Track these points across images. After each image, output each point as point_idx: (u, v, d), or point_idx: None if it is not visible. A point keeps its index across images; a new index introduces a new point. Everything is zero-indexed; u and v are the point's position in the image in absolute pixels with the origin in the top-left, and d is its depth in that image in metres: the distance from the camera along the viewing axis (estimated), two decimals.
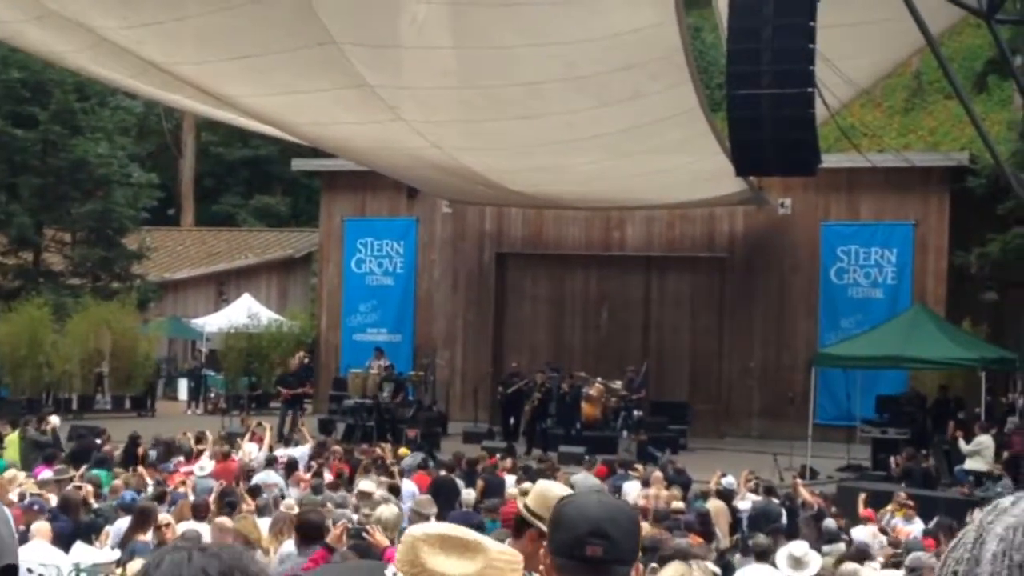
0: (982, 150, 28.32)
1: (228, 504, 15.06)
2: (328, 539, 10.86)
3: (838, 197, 32.82)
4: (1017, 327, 23.70)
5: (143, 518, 13.21)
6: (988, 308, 31.20)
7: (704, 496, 19.30)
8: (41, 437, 23.90)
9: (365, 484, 17.63)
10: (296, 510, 13.65)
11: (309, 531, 10.88)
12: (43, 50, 23.80)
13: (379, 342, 35.18)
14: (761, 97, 17.81)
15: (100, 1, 19.29)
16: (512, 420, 31.43)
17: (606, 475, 21.48)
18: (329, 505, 15.31)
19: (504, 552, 2.82)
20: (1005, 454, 24.67)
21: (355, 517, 13.78)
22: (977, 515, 1.57)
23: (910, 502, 19.08)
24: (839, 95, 22.62)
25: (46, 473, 18.12)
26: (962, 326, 28.74)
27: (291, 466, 20.63)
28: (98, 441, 23.92)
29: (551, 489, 5.27)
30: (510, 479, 20.77)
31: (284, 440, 27.22)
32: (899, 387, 29.62)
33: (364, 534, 10.81)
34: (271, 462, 20.68)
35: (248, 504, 15.51)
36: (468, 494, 17.63)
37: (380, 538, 10.41)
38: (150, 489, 17.69)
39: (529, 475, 21.33)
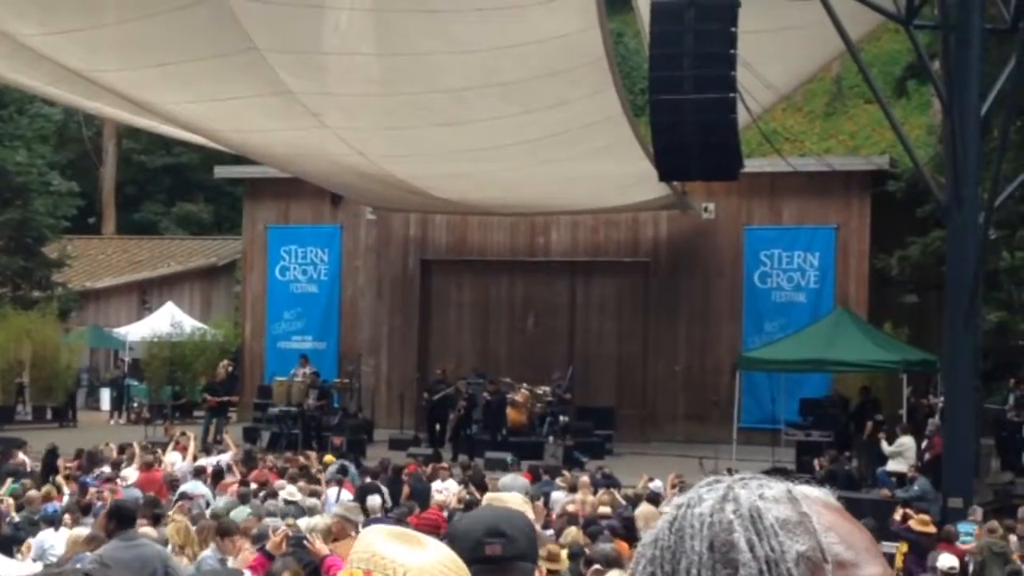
0: (902, 154, 28.62)
1: (154, 516, 14.93)
2: (268, 546, 10.89)
3: (761, 201, 33.03)
4: (938, 329, 23.98)
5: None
6: (909, 311, 31.51)
7: (633, 501, 19.32)
8: None
9: (290, 492, 17.57)
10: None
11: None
12: None
13: (304, 350, 35.02)
14: (683, 102, 17.92)
15: (17, 7, 19.08)
16: (438, 427, 31.40)
17: (531, 482, 21.48)
18: (246, 511, 15.25)
19: (456, 559, 2.84)
20: (926, 456, 24.92)
21: (283, 525, 13.73)
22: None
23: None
24: (761, 100, 22.82)
25: None
26: (884, 329, 29.00)
27: (218, 475, 20.52)
28: (20, 454, 23.57)
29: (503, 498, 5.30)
30: (436, 485, 20.76)
31: (206, 448, 27.01)
32: (823, 390, 29.85)
33: (305, 542, 10.81)
34: (199, 472, 20.55)
35: (179, 512, 15.40)
36: (374, 501, 17.56)
37: (320, 547, 10.43)
38: (65, 499, 17.51)
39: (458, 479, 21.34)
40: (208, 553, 12.00)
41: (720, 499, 1.56)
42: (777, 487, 1.58)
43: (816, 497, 1.57)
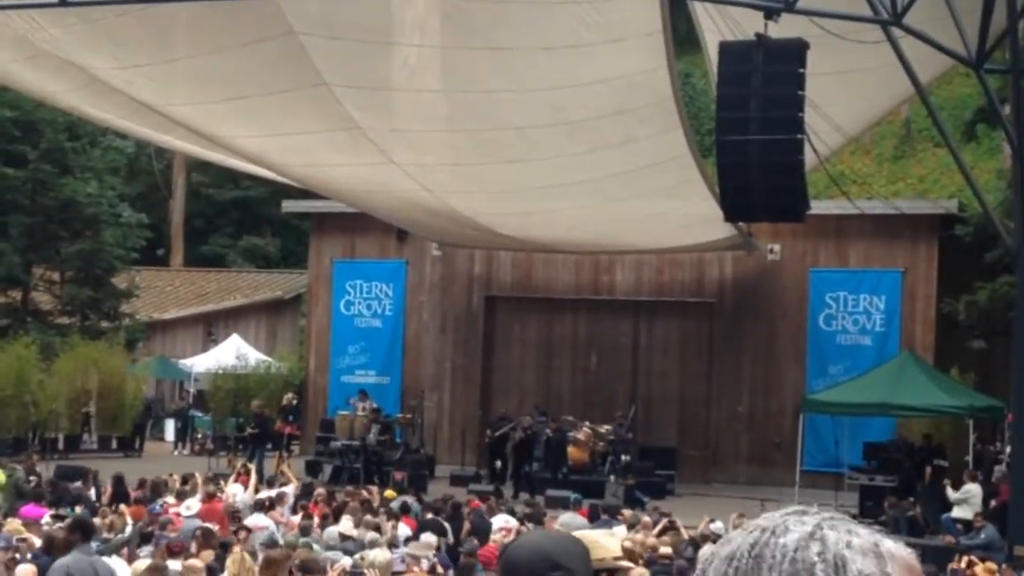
0: (971, 198, 28.41)
1: (220, 545, 15.07)
2: None
3: (827, 244, 32.88)
4: (1005, 375, 23.70)
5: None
6: (976, 356, 31.21)
7: (694, 542, 19.17)
8: (26, 486, 23.69)
9: (344, 525, 17.56)
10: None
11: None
12: (35, 89, 23.87)
13: (367, 384, 35.10)
14: (750, 143, 17.87)
15: (92, 42, 19.34)
16: (499, 463, 31.39)
17: (590, 520, 21.36)
18: (316, 547, 15.26)
19: None
20: (993, 502, 24.62)
21: (347, 560, 13.76)
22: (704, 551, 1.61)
23: None
24: (828, 142, 22.72)
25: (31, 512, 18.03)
26: (950, 374, 28.74)
27: (271, 506, 20.56)
28: (78, 484, 23.74)
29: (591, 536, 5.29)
30: (496, 522, 20.68)
31: (266, 481, 27.00)
32: (887, 434, 29.57)
33: None
34: (261, 505, 20.60)
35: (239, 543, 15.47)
36: (429, 537, 17.49)
37: None
38: (128, 529, 17.59)
39: (516, 517, 21.25)
40: None
41: (807, 536, 1.54)
42: (866, 537, 1.56)
43: (902, 558, 1.56)
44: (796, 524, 1.57)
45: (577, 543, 3.60)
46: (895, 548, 1.57)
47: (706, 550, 18.48)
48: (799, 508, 1.61)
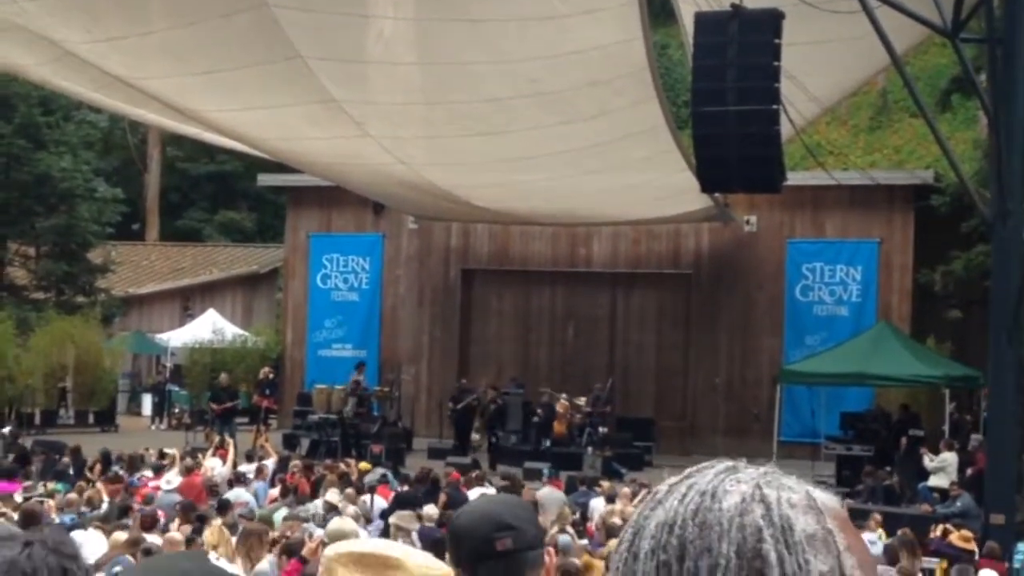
0: (947, 168, 28.46)
1: (198, 518, 15.09)
2: (303, 552, 10.95)
3: (803, 214, 32.92)
4: (981, 345, 23.76)
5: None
6: (952, 326, 31.29)
7: None
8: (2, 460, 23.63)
9: (331, 496, 17.59)
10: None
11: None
12: (6, 63, 23.69)
13: (344, 358, 35.09)
14: (726, 114, 17.85)
15: (65, 15, 19.20)
16: (469, 435, 31.55)
17: (565, 492, 21.41)
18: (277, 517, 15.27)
19: (429, 566, 2.76)
20: (969, 471, 24.72)
21: (320, 532, 13.76)
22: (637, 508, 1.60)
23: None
24: (804, 113, 22.73)
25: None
26: (926, 344, 28.84)
27: (243, 481, 20.60)
28: (58, 456, 23.73)
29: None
30: (473, 495, 20.69)
31: (246, 456, 27.01)
32: (864, 404, 29.69)
33: None
34: (239, 479, 20.61)
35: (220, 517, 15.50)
36: (431, 509, 17.54)
37: None
38: (104, 505, 17.58)
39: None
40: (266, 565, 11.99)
41: (749, 497, 1.54)
42: (799, 491, 1.55)
43: (833, 508, 1.55)
44: (733, 484, 1.56)
45: (526, 506, 3.52)
46: (825, 498, 1.56)
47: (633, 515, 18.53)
48: (728, 465, 1.59)
